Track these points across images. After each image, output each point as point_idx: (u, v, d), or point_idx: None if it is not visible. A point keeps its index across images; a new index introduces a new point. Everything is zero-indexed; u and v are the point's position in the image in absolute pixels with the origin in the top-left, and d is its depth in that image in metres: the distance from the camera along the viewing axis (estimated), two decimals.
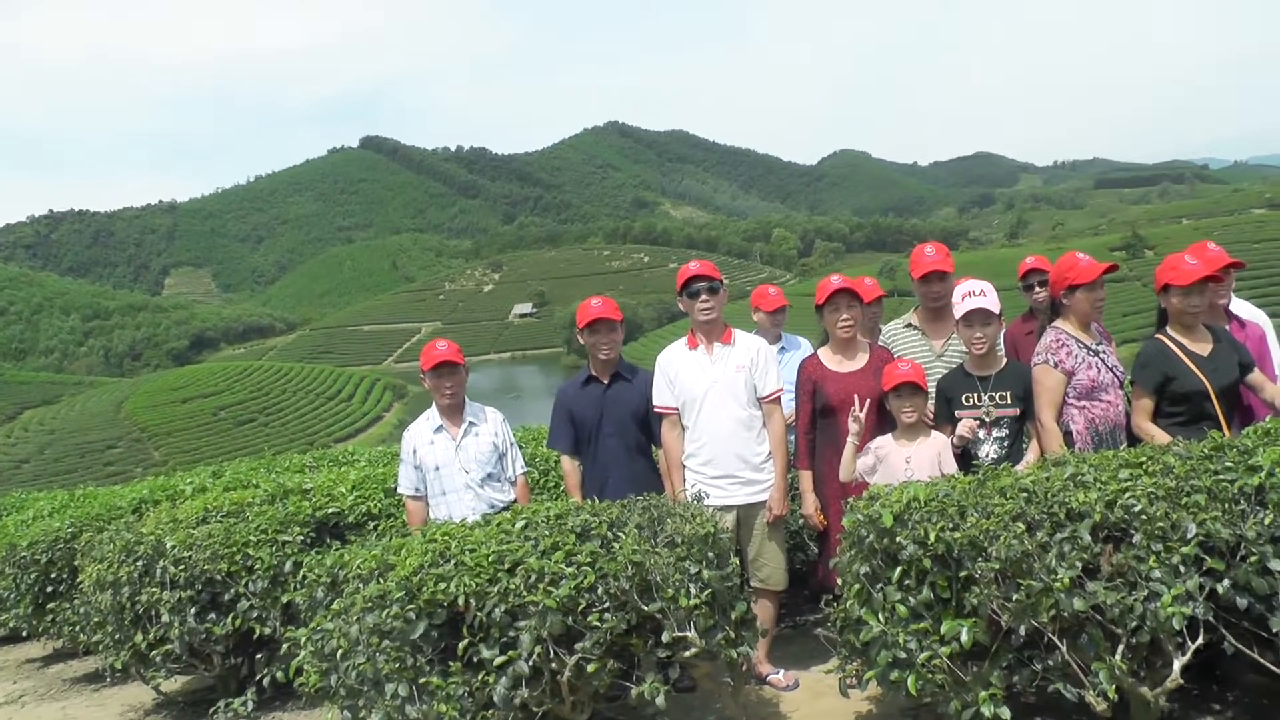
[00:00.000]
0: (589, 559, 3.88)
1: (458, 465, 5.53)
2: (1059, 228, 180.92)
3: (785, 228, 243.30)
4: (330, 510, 6.26)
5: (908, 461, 4.96)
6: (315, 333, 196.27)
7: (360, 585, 4.18)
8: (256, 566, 5.78)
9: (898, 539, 3.78)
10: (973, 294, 5.12)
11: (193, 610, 5.81)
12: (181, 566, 5.82)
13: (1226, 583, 3.47)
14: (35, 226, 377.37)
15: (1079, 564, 3.52)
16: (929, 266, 5.63)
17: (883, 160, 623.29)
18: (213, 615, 5.84)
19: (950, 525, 3.71)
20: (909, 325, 5.85)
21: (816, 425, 5.50)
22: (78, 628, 7.11)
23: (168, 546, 5.92)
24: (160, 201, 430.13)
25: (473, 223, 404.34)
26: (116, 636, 6.16)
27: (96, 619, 6.31)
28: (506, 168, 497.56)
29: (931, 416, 5.27)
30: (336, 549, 5.09)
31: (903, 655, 3.72)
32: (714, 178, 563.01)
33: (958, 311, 5.14)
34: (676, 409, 5.47)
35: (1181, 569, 3.47)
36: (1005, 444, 5.10)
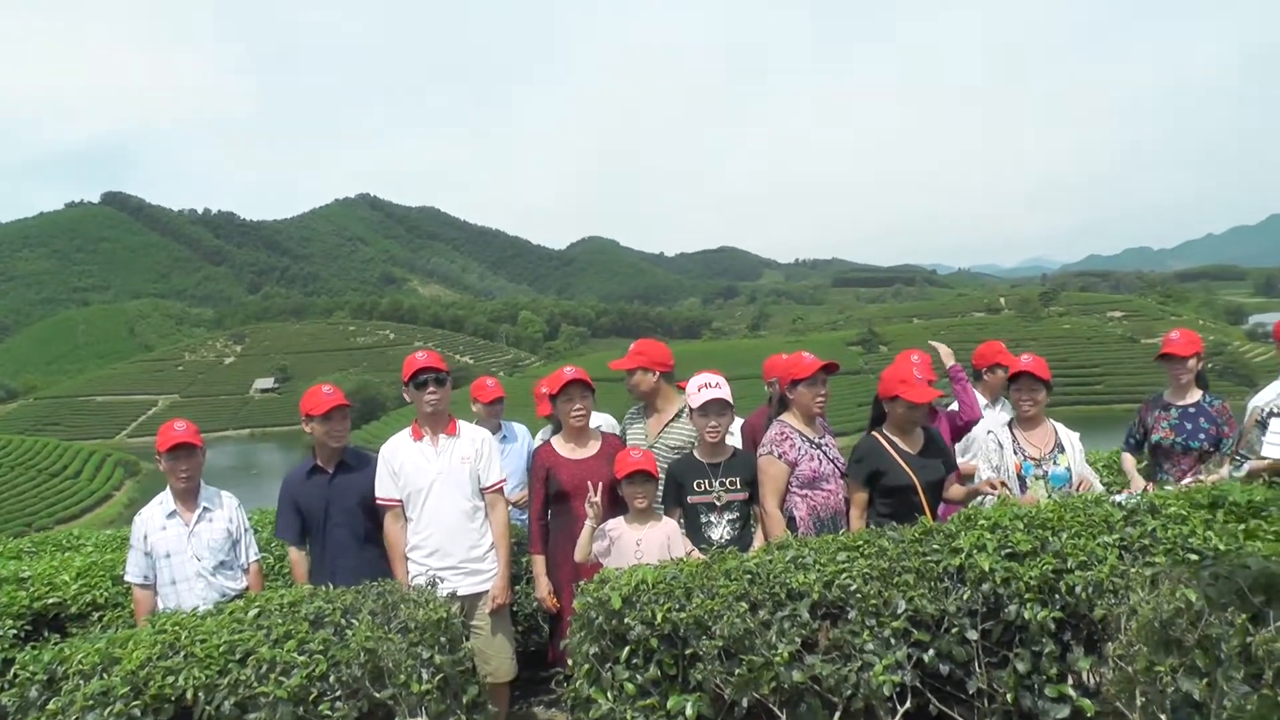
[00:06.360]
0: (321, 647, 3.85)
1: (190, 552, 5.34)
2: (799, 321, 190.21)
3: (532, 310, 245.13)
4: (50, 600, 5.81)
5: (638, 544, 5.11)
6: (40, 403, 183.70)
7: (82, 682, 3.96)
8: None
9: (626, 620, 3.91)
10: (709, 385, 5.38)
11: None
12: None
13: (931, 652, 3.83)
14: None
15: (798, 639, 3.80)
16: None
17: (630, 249, 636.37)
18: None
19: (677, 606, 3.89)
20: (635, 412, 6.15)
21: (550, 511, 5.63)
22: None
23: None
24: None
25: (217, 290, 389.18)
26: None
27: None
28: (254, 234, 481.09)
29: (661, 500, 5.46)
30: (55, 643, 4.82)
31: None
32: (463, 257, 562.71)
33: (695, 401, 5.38)
34: (400, 501, 5.43)
35: (892, 641, 3.82)
36: (736, 526, 5.36)
